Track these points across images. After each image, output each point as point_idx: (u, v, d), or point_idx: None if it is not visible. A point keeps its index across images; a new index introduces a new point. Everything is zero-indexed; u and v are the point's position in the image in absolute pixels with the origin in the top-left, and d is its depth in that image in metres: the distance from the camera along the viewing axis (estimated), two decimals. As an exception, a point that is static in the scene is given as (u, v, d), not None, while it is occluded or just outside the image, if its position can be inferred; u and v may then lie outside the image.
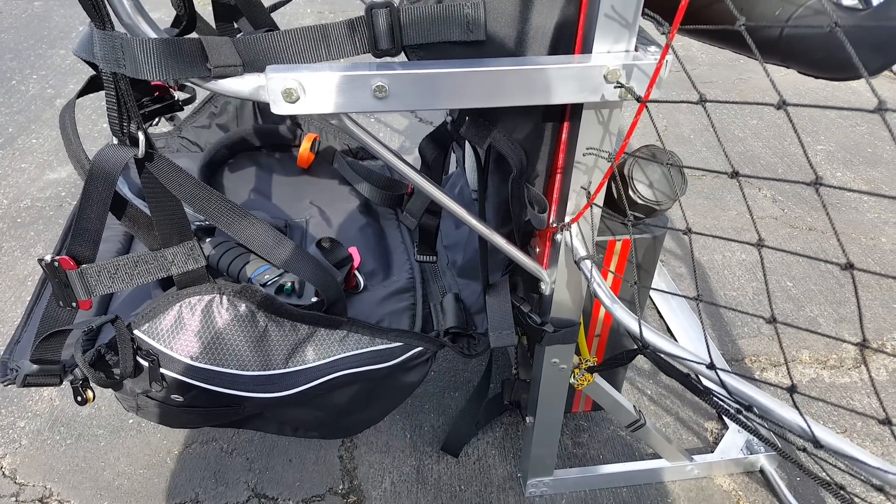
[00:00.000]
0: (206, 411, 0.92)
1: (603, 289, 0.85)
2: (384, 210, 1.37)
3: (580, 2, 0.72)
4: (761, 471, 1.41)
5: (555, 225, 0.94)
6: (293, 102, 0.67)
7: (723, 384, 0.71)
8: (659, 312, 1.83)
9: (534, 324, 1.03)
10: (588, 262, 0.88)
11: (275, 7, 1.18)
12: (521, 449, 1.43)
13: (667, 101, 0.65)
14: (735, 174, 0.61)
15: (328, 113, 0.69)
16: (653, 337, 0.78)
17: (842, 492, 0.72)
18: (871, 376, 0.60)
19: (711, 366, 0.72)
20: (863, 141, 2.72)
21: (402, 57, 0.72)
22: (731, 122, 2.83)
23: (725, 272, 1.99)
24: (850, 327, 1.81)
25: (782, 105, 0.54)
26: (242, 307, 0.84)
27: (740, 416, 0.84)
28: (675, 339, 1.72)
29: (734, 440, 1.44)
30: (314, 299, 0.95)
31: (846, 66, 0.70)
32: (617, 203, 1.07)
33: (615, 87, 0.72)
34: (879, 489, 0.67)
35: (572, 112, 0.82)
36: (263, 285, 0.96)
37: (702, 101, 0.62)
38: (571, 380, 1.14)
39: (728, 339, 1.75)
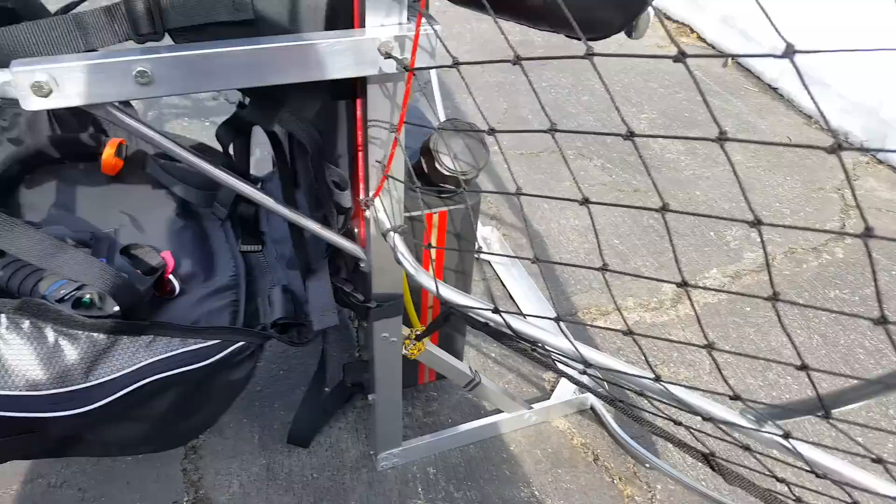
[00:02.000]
0: (4, 441, 0.86)
1: (406, 258, 0.89)
2: (207, 211, 1.33)
3: (350, -23, 0.74)
4: (591, 408, 1.53)
5: (365, 201, 0.96)
6: (45, 96, 0.64)
7: (508, 326, 0.78)
8: (503, 282, 1.92)
9: (357, 302, 1.06)
10: (393, 234, 0.91)
11: (68, 8, 1.11)
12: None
13: (431, 67, 0.69)
14: (553, 129, 0.64)
15: (89, 104, 0.67)
16: (448, 293, 0.83)
17: (635, 409, 0.81)
18: (695, 310, 0.68)
19: (496, 310, 0.78)
20: (681, 107, 2.99)
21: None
22: (566, 100, 3.00)
23: (561, 238, 2.13)
24: (668, 272, 1.99)
25: (591, 54, 0.59)
26: (26, 324, 0.79)
27: (535, 353, 0.92)
28: (517, 304, 1.82)
29: (568, 385, 1.56)
30: (116, 308, 0.91)
31: (594, 25, 0.77)
32: (429, 177, 1.12)
33: (386, 59, 0.75)
34: (640, 394, 0.76)
35: (361, 88, 0.85)
36: (60, 300, 0.91)
37: (516, 61, 0.64)
38: (404, 351, 1.18)
39: (563, 297, 1.88)
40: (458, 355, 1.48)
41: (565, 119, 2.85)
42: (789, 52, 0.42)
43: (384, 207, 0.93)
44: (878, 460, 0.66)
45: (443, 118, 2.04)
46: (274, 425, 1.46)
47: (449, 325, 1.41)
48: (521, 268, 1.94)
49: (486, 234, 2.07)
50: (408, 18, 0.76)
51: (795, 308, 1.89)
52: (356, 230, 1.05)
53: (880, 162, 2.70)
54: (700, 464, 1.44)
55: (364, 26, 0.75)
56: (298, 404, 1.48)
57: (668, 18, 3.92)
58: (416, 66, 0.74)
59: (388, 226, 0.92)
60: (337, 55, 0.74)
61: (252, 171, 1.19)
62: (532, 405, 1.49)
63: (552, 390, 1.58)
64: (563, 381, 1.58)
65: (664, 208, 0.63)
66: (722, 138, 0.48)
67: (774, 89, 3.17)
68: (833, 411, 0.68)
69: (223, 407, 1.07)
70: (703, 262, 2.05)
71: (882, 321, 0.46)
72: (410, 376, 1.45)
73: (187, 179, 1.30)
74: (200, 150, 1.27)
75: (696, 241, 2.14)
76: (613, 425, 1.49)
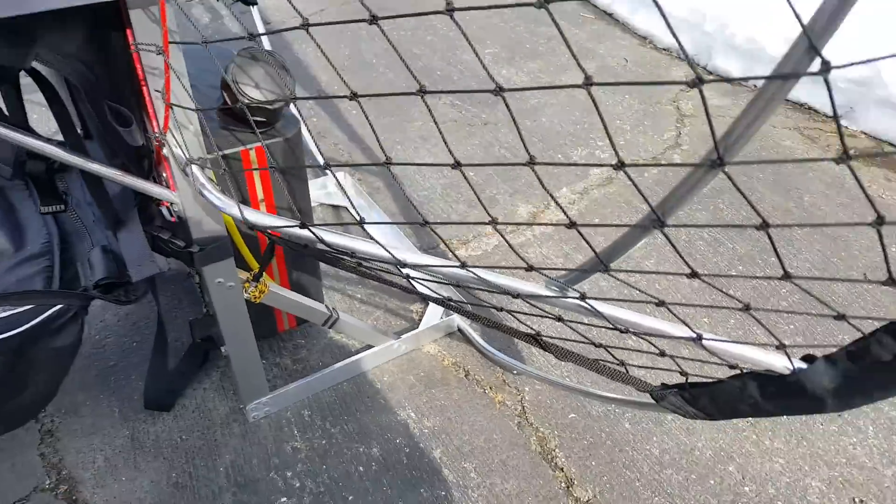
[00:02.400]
0: None
1: (209, 190, 0.88)
2: (14, 183, 1.25)
3: None
4: (459, 329, 1.59)
5: (157, 137, 0.93)
6: None
7: (321, 241, 0.78)
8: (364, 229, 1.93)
9: (178, 248, 1.03)
10: (192, 168, 0.89)
11: None
12: (241, 382, 1.45)
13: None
14: (422, 92, 0.65)
15: None
16: (253, 215, 0.82)
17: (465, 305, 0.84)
18: (569, 216, 0.70)
19: (303, 225, 0.78)
20: (522, 39, 3.07)
21: None
22: (409, 41, 3.00)
23: (417, 176, 2.16)
24: (522, 196, 2.07)
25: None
26: None
27: (362, 269, 0.93)
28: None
29: (435, 311, 1.60)
30: None
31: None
32: (235, 113, 1.10)
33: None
34: (457, 285, 0.80)
35: (125, 13, 0.81)
36: None
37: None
38: (245, 295, 1.17)
39: (425, 232, 1.91)
40: (318, 297, 1.48)
41: (411, 60, 2.85)
42: None
43: (179, 142, 0.91)
44: (661, 303, 0.73)
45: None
46: (134, 397, 1.41)
47: (300, 268, 1.40)
48: (378, 210, 1.95)
49: (340, 180, 2.06)
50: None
51: (640, 213, 2.02)
52: (164, 174, 1.02)
53: (710, 73, 2.90)
54: (562, 362, 1.54)
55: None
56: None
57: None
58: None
59: (185, 159, 0.90)
60: (80, -24, 0.70)
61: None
62: (402, 336, 1.52)
63: (420, 320, 1.62)
64: (430, 308, 1.62)
65: (532, 162, 0.65)
66: (588, 83, 0.48)
67: (610, 15, 3.32)
68: (611, 265, 0.74)
69: (57, 377, 1.03)
70: (554, 182, 2.15)
71: (718, 163, 0.50)
72: (267, 324, 1.44)
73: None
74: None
75: (546, 167, 2.23)
76: (480, 341, 1.55)
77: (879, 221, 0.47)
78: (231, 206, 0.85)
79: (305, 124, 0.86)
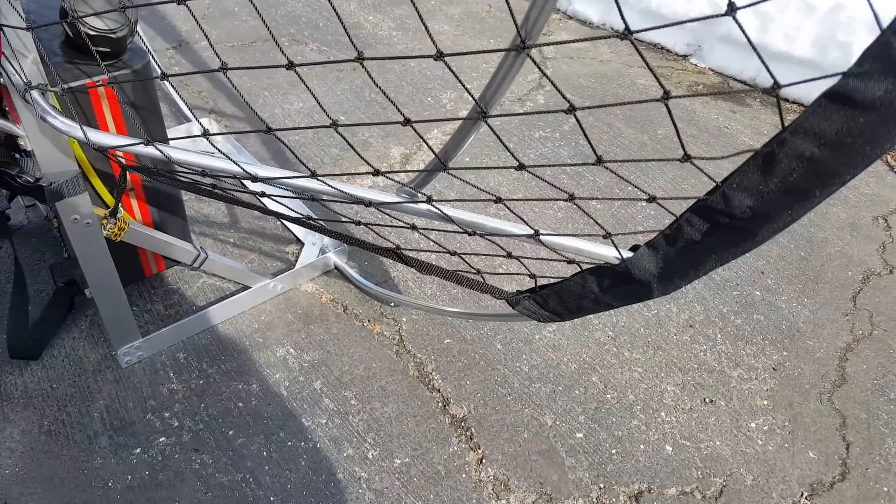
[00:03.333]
0: None
1: (52, 115, 0.85)
2: None
3: None
4: (336, 267, 1.63)
5: (-8, 69, 0.89)
6: None
7: (168, 158, 0.79)
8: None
9: (28, 184, 1.00)
10: (33, 94, 0.86)
11: None
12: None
13: None
14: (290, 67, 0.64)
15: None
16: (97, 136, 0.81)
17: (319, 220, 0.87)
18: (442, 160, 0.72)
19: (148, 142, 0.79)
20: (389, -13, 3.07)
21: None
22: (273, -11, 2.93)
23: (287, 122, 2.14)
24: (394, 139, 2.12)
25: None
26: None
27: (217, 193, 0.95)
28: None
29: (311, 251, 1.63)
30: None
31: None
32: (80, 45, 1.06)
33: None
34: (311, 199, 0.83)
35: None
36: None
37: None
38: (104, 232, 1.14)
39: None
40: (185, 236, 1.46)
41: (274, 8, 2.79)
42: None
43: (17, 69, 0.87)
44: (498, 199, 0.80)
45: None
46: (-6, 350, 1.35)
47: (162, 206, 1.37)
48: (248, 155, 1.93)
49: (206, 126, 2.01)
50: None
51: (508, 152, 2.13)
52: (7, 108, 0.98)
53: (570, 18, 3.03)
54: (423, 274, 1.61)
55: None
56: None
57: None
58: None
59: (23, 84, 0.87)
60: None
61: None
62: (277, 276, 1.53)
63: (296, 261, 1.64)
64: (306, 248, 1.64)
65: (407, 122, 0.67)
66: (525, 44, 0.51)
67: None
68: (448, 164, 0.81)
69: None
70: (426, 126, 2.20)
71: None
72: (133, 268, 1.41)
73: None
74: None
75: (416, 108, 2.28)
76: (357, 277, 1.59)
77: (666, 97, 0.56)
78: (75, 129, 0.83)
79: (154, 58, 0.85)
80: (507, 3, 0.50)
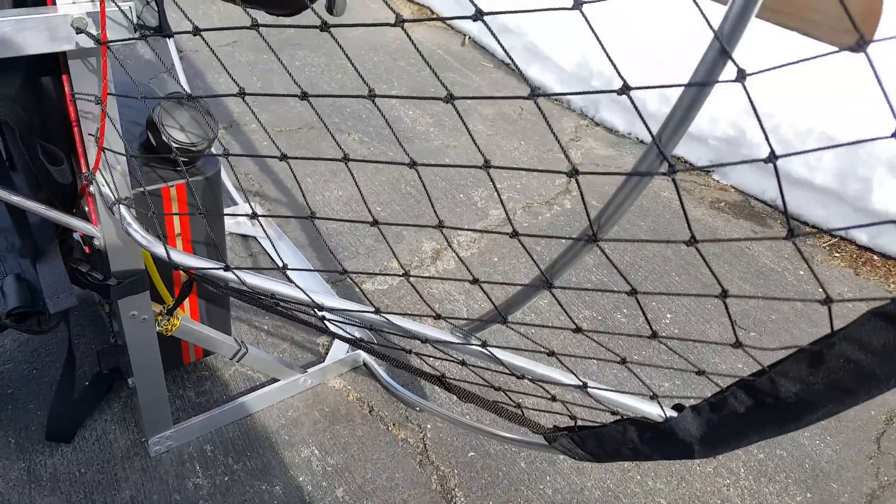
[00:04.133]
0: None
1: (136, 230, 0.91)
2: None
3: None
4: (364, 363, 1.65)
5: (86, 176, 0.95)
6: None
7: (242, 282, 0.84)
8: (270, 257, 1.96)
9: (96, 281, 1.04)
10: (119, 207, 0.92)
11: None
12: (143, 415, 1.44)
13: (125, 40, 0.72)
14: (345, 160, 0.71)
15: None
16: (180, 257, 0.86)
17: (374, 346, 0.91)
18: (459, 256, 0.77)
19: (227, 268, 0.83)
20: (426, 83, 3.21)
21: None
22: (320, 78, 3.07)
23: (326, 209, 2.21)
24: (427, 233, 2.18)
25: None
26: None
27: (280, 309, 0.99)
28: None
29: (341, 345, 1.65)
30: None
31: (287, 4, 0.85)
32: (159, 151, 1.12)
33: (79, 34, 0.76)
34: (370, 328, 0.87)
35: (64, 62, 0.84)
36: None
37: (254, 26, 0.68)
38: (158, 328, 1.18)
39: (332, 264, 1.97)
40: (225, 330, 1.50)
41: (326, 96, 2.92)
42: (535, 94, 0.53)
43: (107, 181, 0.93)
44: (551, 353, 0.84)
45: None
46: (31, 426, 1.37)
47: (210, 300, 1.42)
48: (288, 241, 1.98)
49: (252, 209, 2.08)
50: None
51: (534, 253, 2.18)
52: (87, 208, 1.03)
53: (597, 124, 3.15)
54: (462, 402, 1.62)
55: (55, 3, 0.76)
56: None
57: (410, 1, 4.15)
58: (111, 39, 0.76)
59: (113, 198, 0.92)
60: (29, 32, 0.73)
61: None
62: (308, 369, 1.55)
63: (327, 353, 1.67)
64: (337, 341, 1.67)
65: (413, 164, 0.73)
66: (574, 172, 0.57)
67: (507, 65, 3.54)
68: (508, 317, 0.85)
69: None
70: (456, 220, 2.27)
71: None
72: (174, 356, 1.44)
73: None
74: None
75: (449, 204, 2.35)
76: (384, 376, 1.61)
77: (724, 294, 0.60)
78: (157, 246, 0.88)
79: (232, 167, 0.91)
80: (584, 202, 0.55)
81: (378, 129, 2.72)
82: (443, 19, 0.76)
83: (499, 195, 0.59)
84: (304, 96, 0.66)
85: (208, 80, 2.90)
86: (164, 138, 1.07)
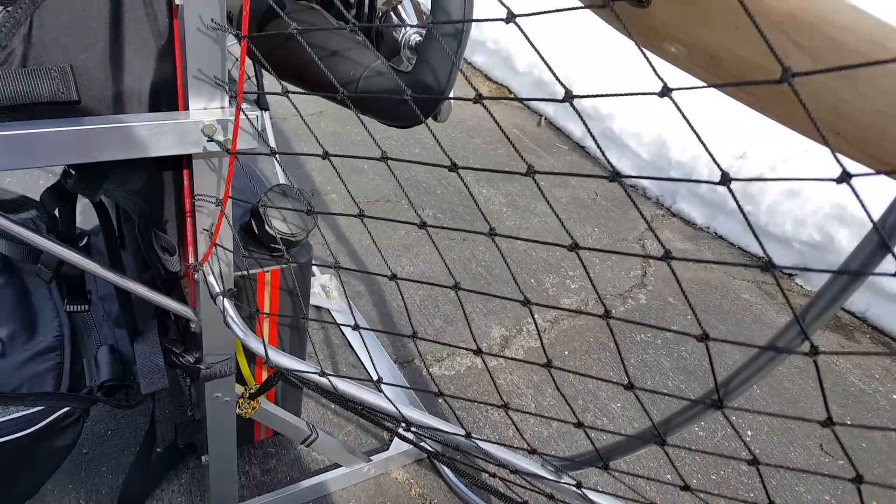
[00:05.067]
0: None
1: (235, 322, 0.92)
2: (30, 266, 1.26)
3: (174, 65, 0.78)
4: (428, 456, 1.61)
5: (194, 266, 0.98)
6: None
7: (334, 388, 0.83)
8: (342, 332, 1.97)
9: (188, 363, 1.06)
10: (222, 299, 0.94)
11: None
12: (207, 489, 1.43)
13: (253, 153, 0.74)
14: (422, 226, 0.73)
15: None
16: (277, 357, 0.87)
17: (456, 462, 0.88)
18: (542, 341, 0.76)
19: (323, 373, 0.83)
20: (501, 161, 3.25)
21: None
22: (398, 153, 3.15)
23: (395, 285, 2.22)
24: (496, 318, 2.16)
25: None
26: None
27: (364, 412, 0.98)
28: (356, 354, 1.87)
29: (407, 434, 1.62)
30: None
31: (402, 117, 0.87)
32: (259, 238, 1.16)
33: (209, 142, 0.79)
34: (457, 448, 0.85)
35: (187, 161, 0.88)
36: None
37: (325, 155, 0.72)
38: (238, 410, 1.19)
39: (401, 345, 1.96)
40: (296, 411, 1.50)
41: (398, 170, 2.98)
42: (616, 177, 0.53)
43: (213, 272, 0.96)
44: None
45: (282, 177, 2.07)
46: (101, 490, 1.38)
47: (287, 380, 1.42)
48: (359, 315, 1.99)
49: (325, 282, 2.11)
50: (230, 102, 0.81)
51: (608, 351, 2.13)
52: (186, 290, 1.06)
53: (674, 215, 3.11)
54: None
55: (188, 108, 0.80)
56: (127, 467, 1.41)
57: (488, 79, 4.26)
58: (239, 149, 0.79)
59: (217, 290, 0.94)
60: (161, 136, 0.77)
61: (79, 218, 1.16)
62: (371, 457, 1.53)
63: (391, 440, 1.64)
64: (400, 431, 1.64)
65: (492, 232, 0.73)
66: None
67: (582, 147, 3.56)
68: (610, 462, 0.81)
69: (46, 475, 1.02)
70: (526, 309, 2.24)
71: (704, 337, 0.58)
72: (246, 434, 1.44)
73: (5, 233, 1.23)
74: (21, 202, 1.21)
75: (517, 288, 2.33)
76: (449, 474, 1.57)
77: (829, 421, 0.56)
78: (258, 346, 0.89)
79: (332, 255, 0.92)
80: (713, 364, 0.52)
81: (452, 206, 2.75)
82: (526, 100, 0.75)
83: (588, 274, 0.58)
84: (383, 158, 0.66)
85: (294, 147, 3.02)
86: (266, 227, 1.10)
